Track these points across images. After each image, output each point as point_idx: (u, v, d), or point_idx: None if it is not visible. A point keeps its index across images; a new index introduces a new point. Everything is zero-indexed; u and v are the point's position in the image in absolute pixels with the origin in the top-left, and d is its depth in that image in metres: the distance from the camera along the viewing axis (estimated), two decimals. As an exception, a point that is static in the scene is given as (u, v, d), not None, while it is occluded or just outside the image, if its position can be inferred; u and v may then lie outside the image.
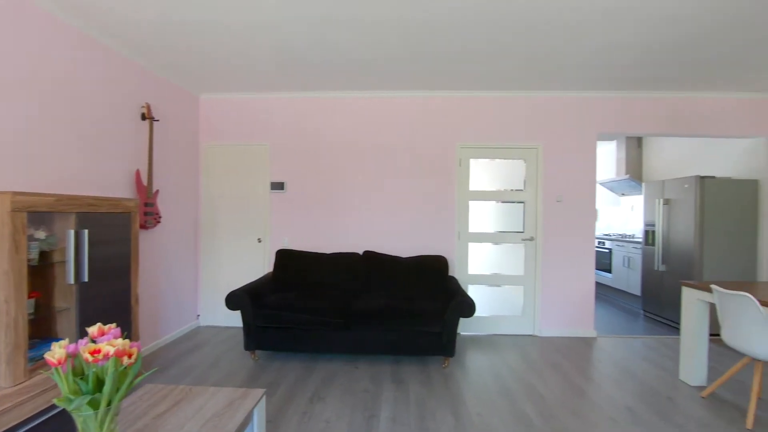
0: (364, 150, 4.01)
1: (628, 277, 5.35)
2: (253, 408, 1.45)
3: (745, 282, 2.95)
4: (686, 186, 4.21)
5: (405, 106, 4.00)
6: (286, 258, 3.75)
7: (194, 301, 4.08)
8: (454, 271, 3.97)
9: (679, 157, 5.22)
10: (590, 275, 3.96)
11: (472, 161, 4.02)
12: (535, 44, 2.86)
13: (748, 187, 4.06)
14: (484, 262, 4.05)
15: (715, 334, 3.94)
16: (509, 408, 2.51)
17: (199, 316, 4.14)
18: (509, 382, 2.89)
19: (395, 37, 2.77)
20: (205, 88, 3.94)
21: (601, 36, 2.72)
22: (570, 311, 3.95)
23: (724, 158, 4.48)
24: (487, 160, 4.04)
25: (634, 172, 6.00)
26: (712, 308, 3.62)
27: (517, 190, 4.01)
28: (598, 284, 6.28)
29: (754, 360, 2.57)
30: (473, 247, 4.03)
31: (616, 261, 5.63)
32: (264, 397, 1.61)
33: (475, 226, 4.02)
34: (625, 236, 5.81)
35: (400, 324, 3.06)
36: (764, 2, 2.28)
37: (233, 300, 3.10)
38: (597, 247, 6.22)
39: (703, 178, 4.06)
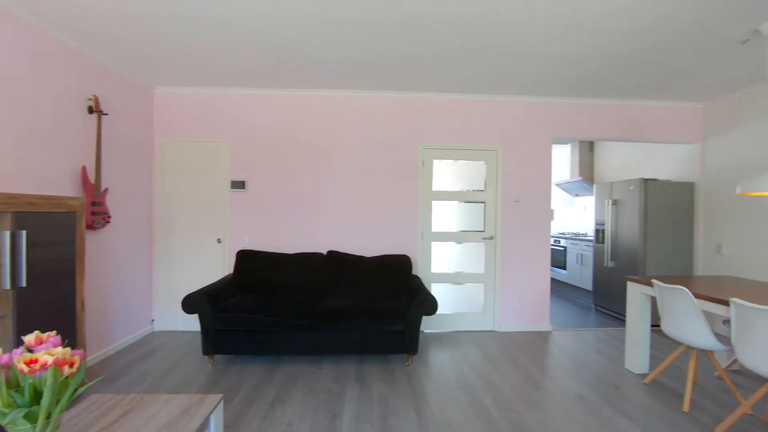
0: (328, 149, 3.98)
1: (581, 274, 5.66)
2: (209, 414, 1.41)
3: (683, 276, 3.20)
4: (632, 188, 4.51)
5: (370, 106, 4.01)
6: (247, 259, 3.65)
7: (148, 305, 3.89)
8: (417, 270, 4.03)
9: (627, 161, 5.58)
10: (546, 272, 4.15)
11: (435, 162, 4.10)
12: (500, 52, 2.96)
13: (686, 189, 4.41)
14: (448, 261, 4.14)
15: (656, 325, 4.25)
16: (469, 402, 2.58)
17: (153, 320, 3.95)
18: (470, 376, 2.98)
19: (362, 37, 2.77)
20: (161, 82, 3.76)
21: (561, 48, 2.86)
22: (527, 307, 4.13)
23: (666, 162, 4.84)
24: (450, 161, 4.13)
25: (587, 175, 6.35)
26: (654, 301, 3.90)
27: (478, 190, 4.13)
28: (554, 280, 6.59)
29: (690, 348, 2.80)
30: (436, 246, 4.11)
31: (571, 258, 5.93)
32: (221, 403, 1.56)
33: (438, 225, 4.10)
34: (579, 235, 6.13)
35: (364, 323, 3.06)
36: (699, 27, 2.49)
37: (190, 303, 2.98)
38: (553, 245, 6.52)
39: (646, 180, 4.37)
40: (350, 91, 3.95)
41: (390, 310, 3.11)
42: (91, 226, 2.99)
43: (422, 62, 3.22)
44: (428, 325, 4.10)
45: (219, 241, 3.95)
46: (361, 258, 3.76)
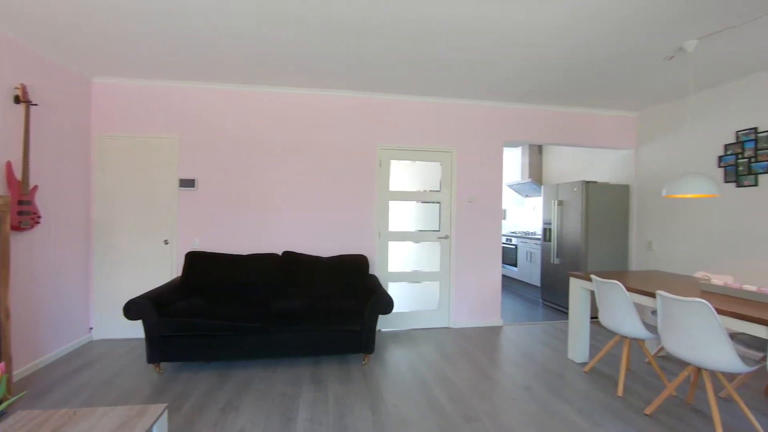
0: (284, 147, 3.90)
1: (530, 270, 5.95)
2: (152, 425, 1.34)
3: (618, 271, 3.47)
4: (575, 189, 4.81)
5: (328, 105, 3.98)
6: (196, 260, 3.49)
7: (85, 312, 3.61)
8: (374, 269, 4.06)
9: (571, 164, 5.95)
10: (497, 270, 4.33)
11: (392, 162, 4.14)
12: (454, 60, 3.04)
13: (622, 191, 4.77)
14: (406, 260, 4.20)
15: (594, 317, 4.58)
16: (424, 397, 2.64)
17: (92, 329, 3.67)
18: (424, 372, 3.04)
19: (316, 35, 2.74)
20: (100, 71, 3.50)
21: (511, 59, 2.99)
22: (480, 303, 4.28)
23: (605, 166, 5.21)
24: (408, 161, 4.19)
25: (536, 177, 6.69)
26: (593, 295, 4.20)
27: (434, 191, 4.23)
28: (506, 277, 6.88)
29: (623, 337, 3.03)
30: (394, 246, 4.16)
31: (521, 256, 6.23)
32: (166, 413, 1.49)
33: (395, 225, 4.15)
34: (528, 234, 6.45)
35: (320, 324, 3.04)
36: (633, 44, 2.71)
37: (133, 308, 2.81)
38: (504, 243, 6.81)
39: (587, 182, 4.68)
40: (307, 90, 3.90)
41: (346, 309, 3.11)
42: (17, 227, 2.73)
43: (377, 65, 3.25)
44: (385, 324, 4.14)
45: (166, 242, 3.75)
46: (317, 258, 3.72)
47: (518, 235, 6.43)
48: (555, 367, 3.19)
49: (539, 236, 5.84)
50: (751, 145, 3.45)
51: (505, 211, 7.97)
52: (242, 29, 2.68)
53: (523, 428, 2.28)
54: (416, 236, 4.20)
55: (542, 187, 5.60)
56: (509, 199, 7.75)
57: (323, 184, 3.97)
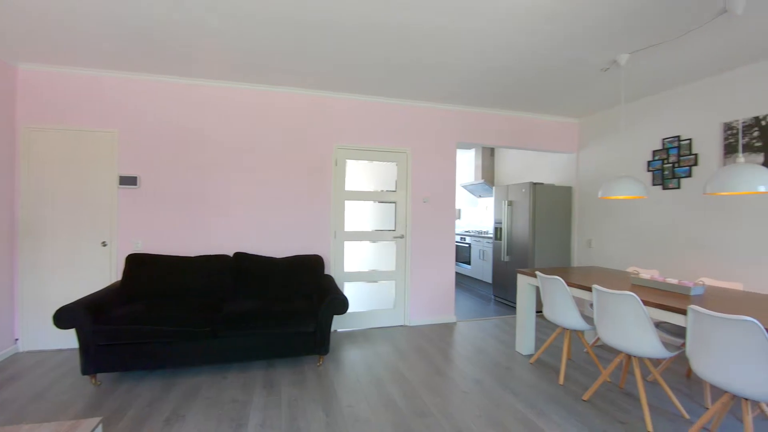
0: (237, 145, 3.77)
1: (482, 268, 6.18)
2: (81, 440, 1.25)
3: (560, 267, 3.69)
4: (523, 190, 5.06)
5: (282, 103, 3.89)
6: (139, 263, 3.29)
7: (9, 321, 3.28)
8: (330, 269, 4.03)
9: (521, 166, 6.25)
10: (451, 268, 4.46)
11: (348, 162, 4.13)
12: (410, 63, 3.09)
13: (566, 192, 5.08)
14: (364, 260, 4.21)
15: (539, 311, 4.84)
16: (378, 395, 2.66)
17: (17, 340, 3.34)
18: (379, 371, 3.07)
19: (266, 30, 2.68)
20: (26, 57, 3.20)
21: (466, 65, 3.09)
22: (435, 301, 4.39)
23: (550, 168, 5.53)
24: (365, 161, 4.20)
25: (488, 178, 6.96)
26: (539, 290, 4.43)
27: (389, 191, 4.27)
28: (460, 275, 7.10)
29: (565, 329, 3.23)
30: (351, 246, 4.15)
31: (474, 254, 6.45)
32: (101, 426, 1.40)
33: (352, 225, 4.15)
34: (481, 232, 6.69)
35: (273, 326, 2.97)
36: (573, 56, 2.89)
37: (65, 316, 2.59)
38: (458, 242, 7.02)
39: (535, 184, 4.94)
40: (261, 86, 3.79)
41: (300, 311, 3.06)
42: None
43: (334, 64, 3.23)
44: (342, 324, 4.12)
45: (104, 244, 3.50)
46: (271, 259, 3.63)
47: (472, 234, 6.66)
48: (503, 360, 3.34)
49: (491, 235, 6.08)
50: (675, 151, 3.80)
51: (459, 210, 8.21)
52: (186, 19, 2.56)
53: (472, 420, 2.37)
54: (372, 236, 4.22)
55: (494, 188, 5.83)
56: (463, 200, 8.00)
57: (278, 183, 3.88)
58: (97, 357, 2.68)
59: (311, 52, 3.03)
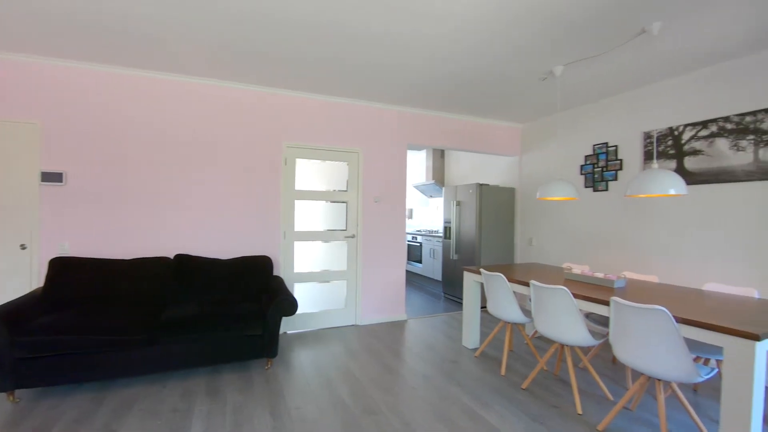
0: (179, 141, 3.57)
1: (433, 266, 6.35)
2: (-10, 463, 1.13)
3: (503, 264, 3.89)
4: (471, 191, 5.27)
5: (229, 98, 3.74)
6: (64, 268, 3.02)
7: None
8: (279, 270, 3.95)
9: (469, 167, 6.50)
10: (402, 267, 4.54)
11: (300, 161, 4.07)
12: (361, 63, 3.10)
13: (509, 193, 5.36)
14: (316, 260, 4.16)
15: (484, 306, 5.07)
16: (327, 395, 2.66)
17: None
18: (329, 371, 3.06)
19: (208, 23, 2.57)
20: (-77, 37, 2.82)
21: (410, 69, 3.16)
22: (386, 300, 4.45)
23: (496, 170, 5.80)
24: (318, 161, 4.16)
25: (438, 178, 7.16)
26: (483, 287, 4.65)
27: (341, 190, 4.26)
28: (412, 274, 7.24)
29: (506, 323, 3.41)
30: (302, 246, 4.09)
31: (425, 253, 6.61)
32: (13, 446, 1.27)
33: (303, 224, 4.09)
34: (432, 232, 6.87)
35: (218, 330, 2.86)
36: (513, 65, 3.07)
37: (-26, 328, 2.32)
38: (410, 241, 7.16)
39: (481, 185, 5.16)
40: (205, 80, 3.62)
41: (247, 313, 2.97)
42: None
43: (281, 59, 3.17)
44: (292, 326, 4.05)
45: (23, 247, 3.17)
46: (216, 261, 3.49)
47: (423, 233, 6.82)
48: (451, 355, 3.46)
49: (441, 234, 6.26)
50: (604, 157, 4.15)
51: (411, 210, 8.37)
52: (117, 4, 2.39)
53: (420, 414, 2.44)
54: (324, 236, 4.19)
55: (443, 188, 6.01)
56: (415, 200, 8.16)
57: (223, 182, 3.73)
58: (15, 372, 2.43)
59: (256, 48, 2.95)
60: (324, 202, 4.21)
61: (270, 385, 2.80)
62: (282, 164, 3.95)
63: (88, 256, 3.28)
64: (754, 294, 2.57)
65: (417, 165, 7.98)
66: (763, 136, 2.92)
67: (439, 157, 7.23)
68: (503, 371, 3.07)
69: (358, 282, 4.30)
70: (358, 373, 3.03)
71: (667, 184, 2.40)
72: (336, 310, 4.24)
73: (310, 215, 4.15)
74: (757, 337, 1.72)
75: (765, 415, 2.52)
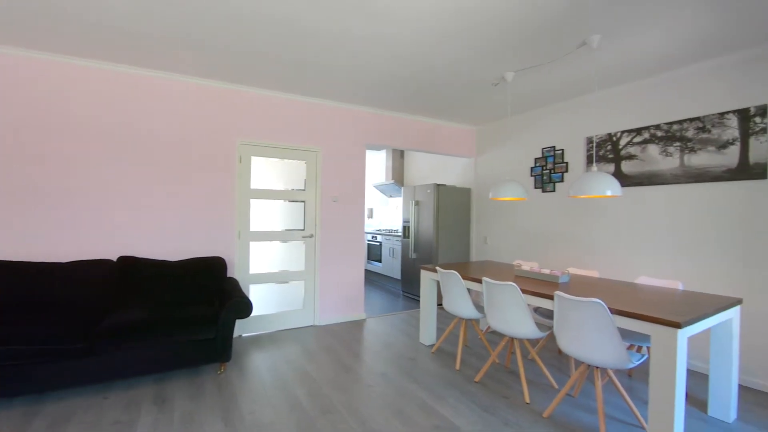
0: (123, 135, 3.36)
1: (392, 265, 6.42)
2: None
3: (459, 263, 4.01)
4: (428, 191, 5.38)
5: (178, 92, 3.57)
6: (-11, 273, 2.75)
7: None
8: (234, 271, 3.83)
9: (428, 168, 6.63)
10: (360, 266, 4.55)
11: (256, 159, 3.97)
12: (315, 59, 3.07)
13: (465, 193, 5.53)
14: (272, 260, 4.07)
15: (440, 303, 5.20)
16: (282, 398, 2.62)
17: None
18: (285, 373, 3.01)
19: (168, 12, 2.44)
20: None
21: (366, 62, 3.17)
22: (344, 299, 4.44)
23: (453, 171, 5.96)
24: (276, 159, 4.07)
25: (398, 178, 7.24)
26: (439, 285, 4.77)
27: (299, 189, 4.20)
28: (372, 273, 7.27)
29: (461, 319, 3.51)
30: (258, 246, 3.99)
31: (385, 252, 6.66)
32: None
33: (258, 224, 3.98)
34: (392, 231, 6.94)
35: (166, 336, 2.72)
36: (467, 70, 3.17)
37: None
38: (370, 241, 7.19)
39: (438, 185, 5.29)
40: (153, 71, 3.43)
41: (198, 317, 2.86)
42: None
43: (235, 52, 3.07)
44: (248, 329, 3.94)
45: (-62, 250, 2.85)
46: (165, 263, 3.32)
47: (383, 232, 6.87)
48: (408, 352, 3.52)
49: (400, 233, 6.34)
50: (551, 159, 4.39)
51: (371, 210, 8.41)
52: (56, -10, 2.22)
53: (376, 411, 2.47)
54: (281, 236, 4.11)
55: (402, 188, 6.09)
56: (376, 199, 8.21)
57: (173, 180, 3.56)
58: (-75, 390, 2.18)
59: (209, 41, 2.85)
60: (282, 201, 4.13)
61: (223, 391, 2.72)
62: (237, 162, 3.83)
63: (16, 260, 3.01)
64: (679, 286, 2.83)
65: (377, 165, 8.02)
66: (688, 143, 3.23)
67: (398, 157, 7.31)
68: (458, 366, 3.17)
69: (316, 282, 4.26)
70: (315, 374, 3.01)
71: (604, 185, 2.59)
72: (294, 311, 4.18)
73: (267, 215, 4.05)
74: (679, 325, 1.90)
75: (687, 393, 2.79)
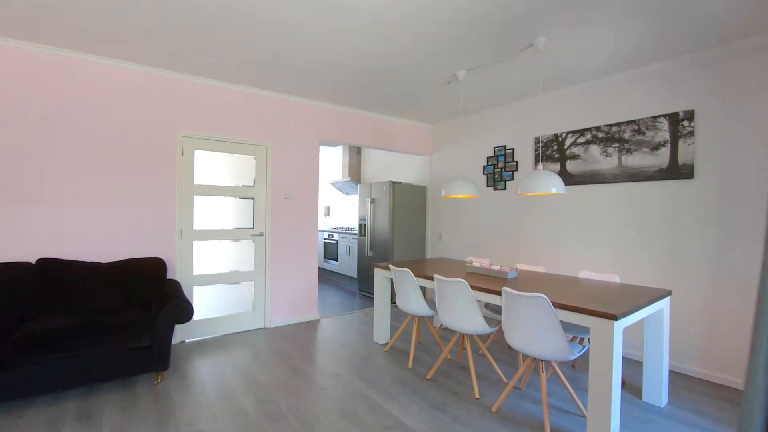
0: (50, 125, 3.02)
1: (349, 263, 6.34)
2: None
3: (414, 261, 4.01)
4: (384, 188, 5.35)
5: (112, 77, 3.27)
6: None
7: None
8: (175, 273, 3.58)
9: (384, 165, 6.60)
10: (314, 265, 4.43)
11: (200, 153, 3.73)
12: (267, 49, 2.91)
13: (421, 191, 5.56)
14: (219, 261, 3.85)
15: (395, 301, 5.19)
16: (226, 407, 2.47)
17: None
18: (231, 380, 2.85)
19: (77, -13, 2.20)
20: None
21: (319, 54, 3.06)
22: (297, 300, 4.30)
23: (409, 169, 5.98)
24: (223, 153, 3.85)
25: (355, 176, 7.16)
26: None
27: (248, 186, 4.01)
28: (328, 271, 7.15)
29: (414, 317, 3.50)
30: (205, 246, 3.75)
31: (341, 250, 6.57)
32: None
33: (204, 222, 3.75)
34: (348, 229, 6.85)
35: (94, 345, 2.48)
36: (418, 67, 3.16)
37: None
38: (327, 239, 7.06)
39: (394, 183, 5.27)
40: (83, 55, 3.11)
41: (132, 323, 2.63)
42: None
43: (173, 35, 2.85)
44: (191, 333, 3.70)
45: None
46: (93, 265, 3.03)
47: (339, 230, 6.76)
48: (362, 351, 3.47)
49: (357, 231, 6.27)
50: (503, 158, 4.51)
51: (328, 208, 8.27)
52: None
53: (324, 414, 2.39)
54: (229, 234, 3.90)
55: (359, 185, 6.02)
56: (333, 197, 8.07)
57: (106, 174, 3.26)
58: None
59: (147, 24, 2.62)
60: (231, 198, 3.92)
61: (159, 402, 2.52)
62: (178, 155, 3.58)
63: None
64: (616, 279, 2.99)
65: (334, 162, 7.89)
66: (625, 144, 3.42)
67: (355, 154, 7.23)
68: (410, 364, 3.16)
69: (267, 282, 4.09)
70: (263, 379, 2.88)
71: (550, 184, 2.67)
72: (243, 314, 3.99)
73: (214, 212, 3.83)
74: (615, 317, 1.99)
75: (624, 381, 2.95)
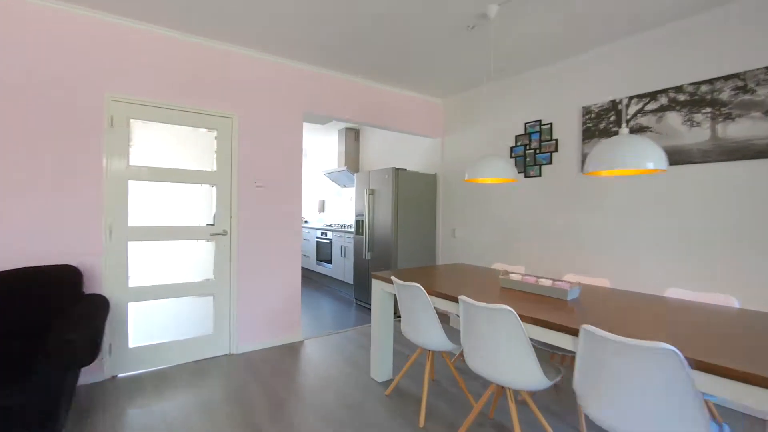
0: None
1: (344, 267, 5.39)
2: None
3: (423, 267, 3.05)
4: (386, 177, 4.38)
5: (5, 14, 2.32)
6: None
7: None
8: (100, 286, 2.63)
9: (386, 150, 5.63)
10: (296, 274, 3.48)
11: (137, 123, 2.78)
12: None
13: (431, 180, 4.59)
14: (166, 267, 2.91)
15: (398, 315, 4.23)
16: None
17: None
18: (156, 451, 1.91)
19: None
20: None
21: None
22: (273, 317, 3.35)
23: (416, 154, 5.01)
24: (176, 126, 2.91)
25: (352, 165, 6.20)
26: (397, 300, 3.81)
27: (206, 171, 3.06)
28: (321, 275, 6.21)
29: (426, 350, 2.54)
30: (140, 248, 2.81)
31: (336, 251, 5.62)
32: None
33: (141, 217, 2.81)
34: (344, 226, 5.89)
35: None
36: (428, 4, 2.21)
37: None
38: (320, 237, 6.12)
39: (398, 169, 4.30)
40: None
41: (-13, 373, 1.69)
42: None
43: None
44: (125, 366, 2.76)
45: None
46: (-37, 277, 2.09)
47: (334, 228, 5.81)
48: (353, 394, 2.52)
49: (353, 229, 5.32)
50: (536, 136, 3.53)
51: (323, 202, 7.32)
52: None
53: None
54: (177, 233, 2.95)
55: (355, 175, 5.06)
56: (328, 190, 7.13)
57: (-8, 149, 2.32)
58: None
59: None
60: (184, 186, 2.98)
61: (24, 501, 1.57)
62: (106, 125, 2.63)
63: None
64: (734, 303, 2.02)
65: (328, 149, 6.94)
66: (722, 109, 2.44)
67: (352, 139, 6.26)
68: (422, 420, 2.20)
69: (232, 296, 3.14)
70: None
71: (644, 155, 1.70)
72: (200, 338, 3.04)
73: (158, 204, 2.88)
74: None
75: None
